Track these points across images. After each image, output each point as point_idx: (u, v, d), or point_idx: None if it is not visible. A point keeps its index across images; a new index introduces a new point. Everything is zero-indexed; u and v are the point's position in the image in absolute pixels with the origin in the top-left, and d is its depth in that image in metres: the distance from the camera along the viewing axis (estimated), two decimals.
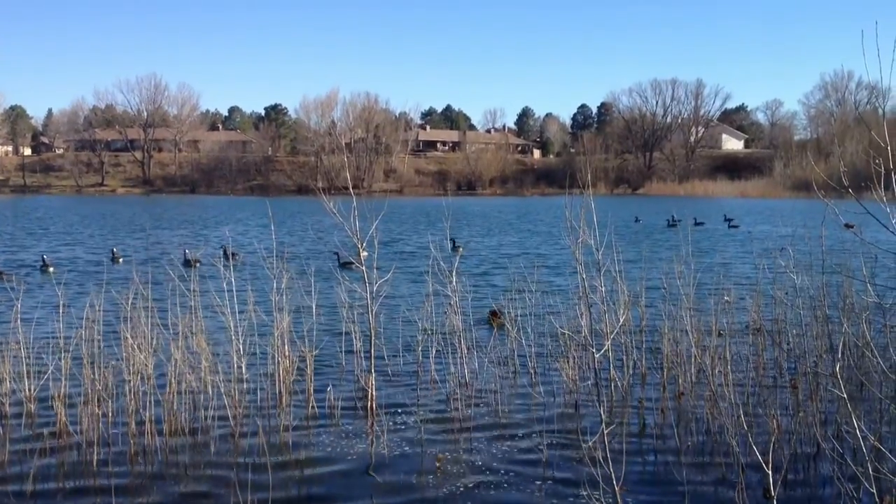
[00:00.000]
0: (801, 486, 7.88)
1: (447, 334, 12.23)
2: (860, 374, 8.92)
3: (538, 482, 8.00)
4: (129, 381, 9.71)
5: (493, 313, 15.19)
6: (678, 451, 8.81)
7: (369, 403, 10.25)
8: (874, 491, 5.73)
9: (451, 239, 30.05)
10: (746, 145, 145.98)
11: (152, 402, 9.32)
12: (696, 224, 44.49)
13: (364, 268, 10.53)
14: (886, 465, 6.06)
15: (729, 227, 45.93)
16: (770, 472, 4.87)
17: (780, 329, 11.22)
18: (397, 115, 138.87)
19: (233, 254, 26.96)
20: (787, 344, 10.59)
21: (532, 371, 11.83)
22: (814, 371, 9.14)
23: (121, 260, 27.73)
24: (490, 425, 9.82)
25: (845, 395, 5.79)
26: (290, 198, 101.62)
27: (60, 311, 10.60)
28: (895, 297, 5.78)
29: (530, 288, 13.77)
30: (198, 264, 23.33)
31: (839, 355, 6.01)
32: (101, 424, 9.26)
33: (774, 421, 7.29)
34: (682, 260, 12.00)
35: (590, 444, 7.69)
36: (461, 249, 23.09)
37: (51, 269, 24.88)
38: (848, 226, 6.91)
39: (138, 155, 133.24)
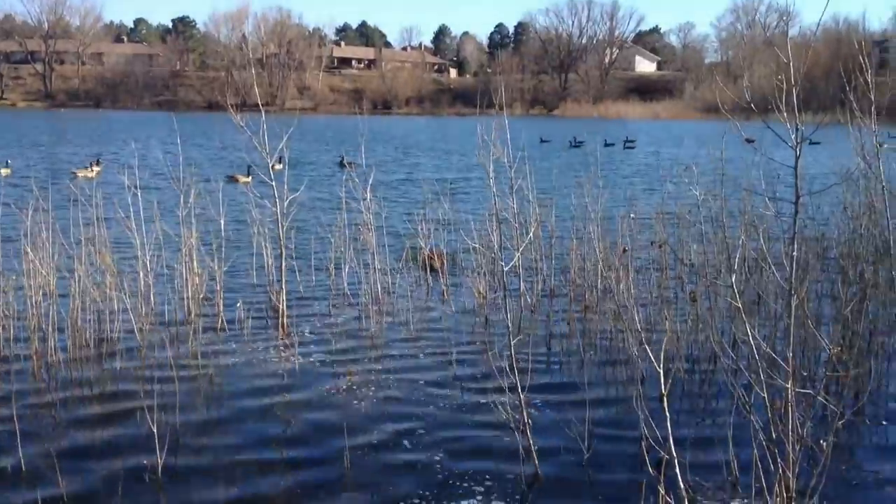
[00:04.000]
0: (699, 393, 8.24)
1: (360, 251, 12.24)
2: (757, 287, 9.28)
3: (447, 393, 8.16)
4: (31, 297, 9.44)
5: (428, 256, 13.06)
6: (582, 362, 9.08)
7: (281, 319, 10.21)
8: (765, 396, 6.00)
9: (340, 156, 30.46)
10: (659, 67, 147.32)
11: (56, 319, 9.10)
12: (606, 145, 45.14)
13: (274, 182, 10.36)
14: (778, 373, 6.34)
15: (624, 147, 46.88)
16: (662, 375, 5.06)
17: (683, 245, 11.56)
18: (311, 30, 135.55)
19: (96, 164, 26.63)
20: (689, 259, 10.92)
21: (444, 287, 11.95)
22: (713, 283, 9.47)
23: (2, 171, 26.68)
24: (401, 340, 9.93)
25: (740, 305, 6.01)
26: (200, 114, 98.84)
27: None
28: (792, 211, 5.97)
29: (443, 207, 13.81)
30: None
31: (735, 267, 6.24)
32: (1, 341, 9.02)
33: (672, 330, 7.55)
34: (590, 179, 12.19)
35: (496, 354, 7.87)
36: (353, 166, 22.22)
37: None
38: (749, 140, 7.09)
39: (39, 67, 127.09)
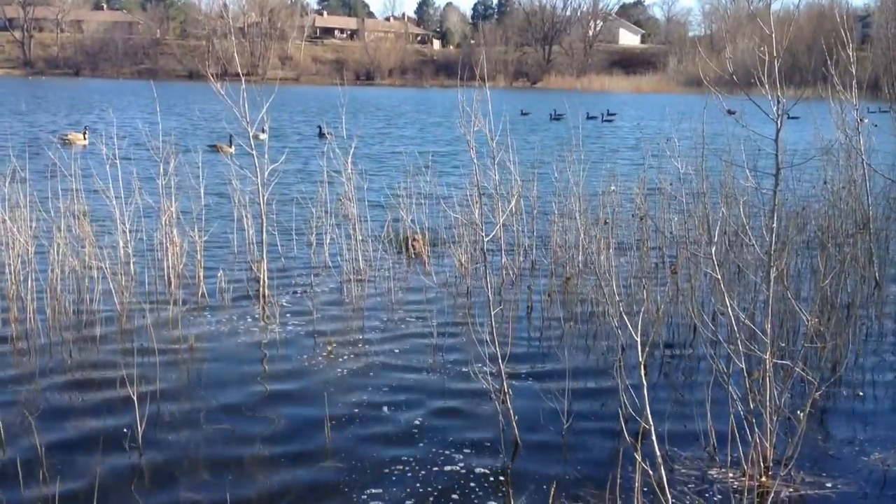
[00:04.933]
0: (679, 364, 8.29)
1: (341, 222, 12.21)
2: (737, 259, 9.33)
3: (429, 364, 8.17)
4: (10, 264, 9.37)
5: (412, 240, 12.63)
6: (562, 333, 9.12)
7: (261, 290, 10.18)
8: (743, 367, 6.06)
9: (318, 126, 30.42)
10: (643, 41, 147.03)
11: (34, 287, 9.03)
12: (589, 118, 45.10)
13: (255, 153, 10.28)
14: (757, 344, 6.39)
15: (603, 120, 46.85)
16: (639, 345, 5.08)
17: (664, 217, 11.59)
18: None
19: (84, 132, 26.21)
20: (670, 231, 10.95)
21: (425, 258, 11.94)
22: (694, 256, 9.51)
23: None
24: (383, 311, 9.92)
25: (719, 276, 6.04)
26: (181, 83, 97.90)
27: None
28: (773, 183, 6.00)
29: (425, 179, 13.77)
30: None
31: (715, 239, 6.26)
32: None
33: (651, 301, 7.58)
34: (572, 151, 12.17)
35: (477, 325, 7.89)
36: (332, 136, 21.82)
37: None
38: (730, 112, 7.09)
39: (17, 35, 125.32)
